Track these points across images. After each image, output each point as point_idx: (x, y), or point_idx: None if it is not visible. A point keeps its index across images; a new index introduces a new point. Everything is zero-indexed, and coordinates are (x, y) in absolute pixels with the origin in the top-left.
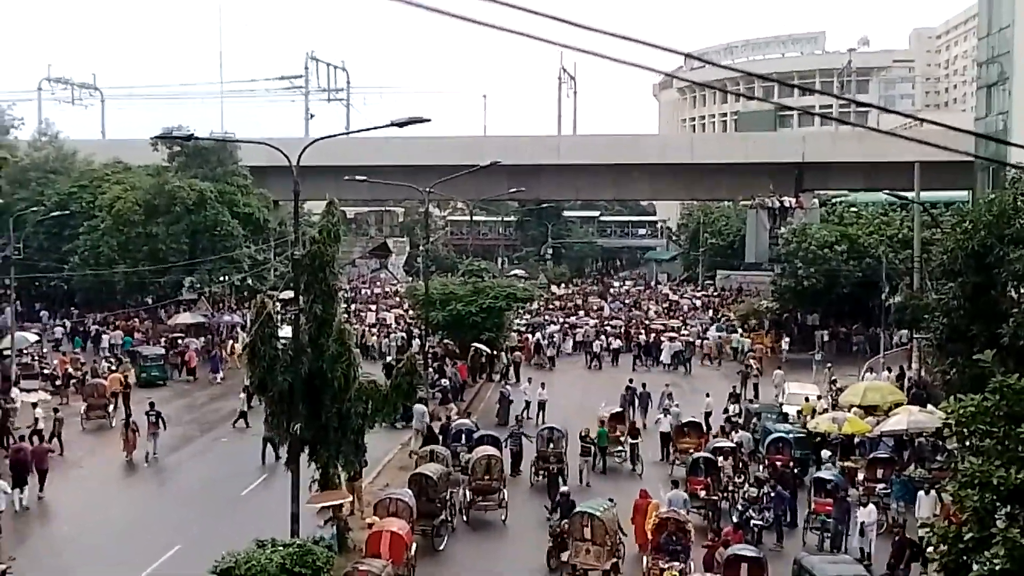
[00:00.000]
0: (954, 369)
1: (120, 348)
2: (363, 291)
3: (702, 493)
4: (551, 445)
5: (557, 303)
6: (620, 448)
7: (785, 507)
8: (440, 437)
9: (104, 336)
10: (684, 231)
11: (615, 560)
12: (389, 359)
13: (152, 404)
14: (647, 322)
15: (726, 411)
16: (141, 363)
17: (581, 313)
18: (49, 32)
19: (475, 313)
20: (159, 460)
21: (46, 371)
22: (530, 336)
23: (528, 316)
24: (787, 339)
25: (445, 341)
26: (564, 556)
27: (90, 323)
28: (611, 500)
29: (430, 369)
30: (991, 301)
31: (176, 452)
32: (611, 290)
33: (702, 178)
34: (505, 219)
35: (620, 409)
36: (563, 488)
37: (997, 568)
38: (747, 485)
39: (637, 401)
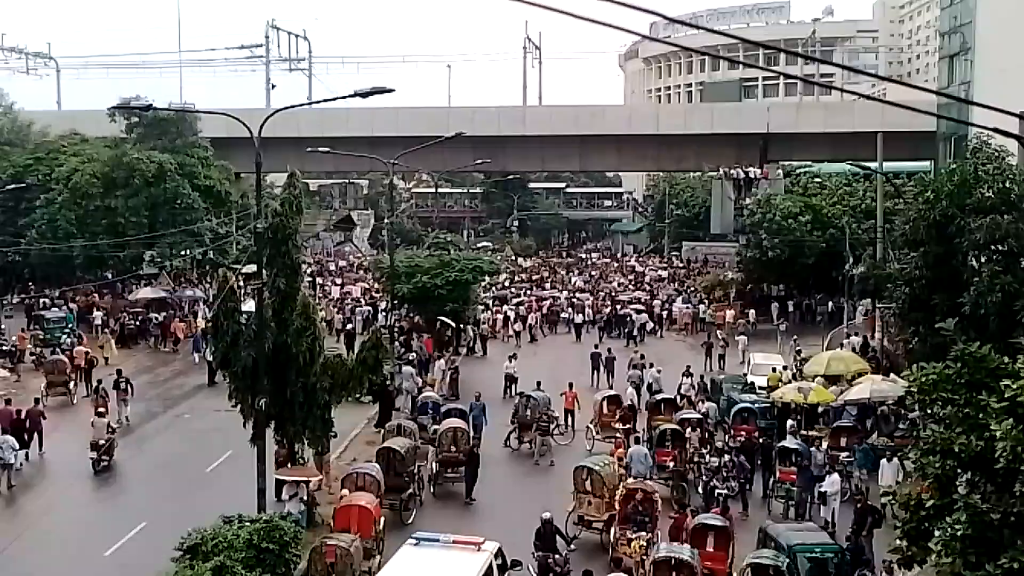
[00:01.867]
0: (916, 338)
1: (63, 322)
2: (328, 265)
3: (670, 464)
4: (530, 413)
5: (524, 276)
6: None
7: (746, 476)
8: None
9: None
10: (650, 202)
11: (613, 513)
12: (350, 328)
13: (119, 372)
14: (614, 294)
15: (680, 386)
16: (45, 325)
17: (548, 286)
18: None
19: (441, 286)
20: (131, 426)
21: (4, 347)
22: (498, 310)
23: (495, 289)
24: (752, 311)
25: (411, 315)
26: (568, 507)
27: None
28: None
29: (396, 343)
30: (952, 271)
31: (140, 427)
32: (577, 262)
33: (668, 149)
34: (471, 191)
35: (615, 392)
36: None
37: (959, 533)
38: (708, 456)
39: (602, 366)
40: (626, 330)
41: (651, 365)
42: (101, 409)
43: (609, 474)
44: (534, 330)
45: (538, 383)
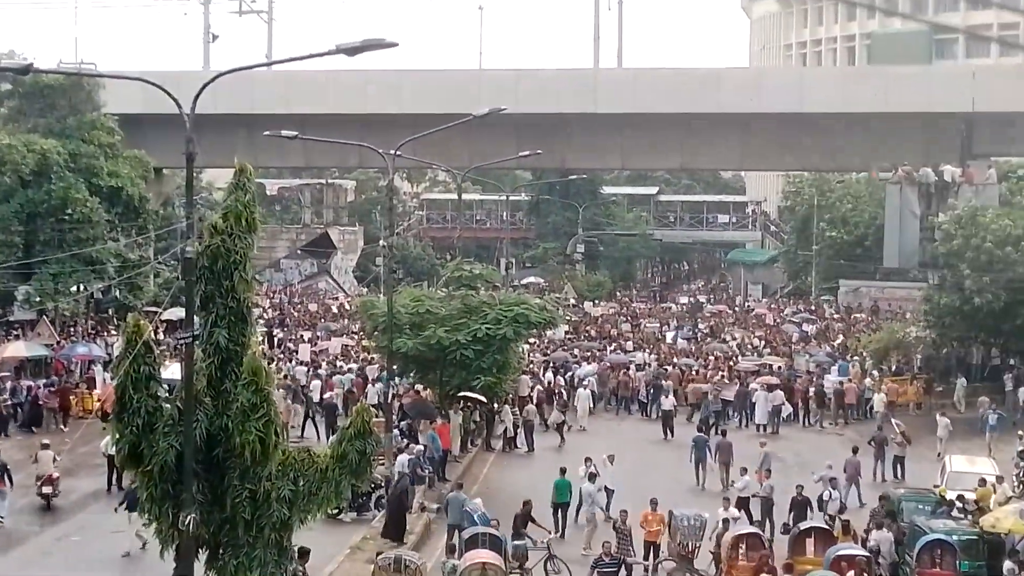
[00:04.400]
0: None
1: None
2: (293, 309)
3: None
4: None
5: (592, 330)
6: None
7: None
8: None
9: None
10: (789, 219)
11: None
12: (325, 405)
13: None
14: (732, 360)
15: (822, 499)
16: None
17: (630, 346)
18: None
19: (465, 344)
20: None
21: None
22: (550, 380)
23: (547, 350)
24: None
25: (417, 387)
26: None
27: None
28: None
29: (395, 431)
30: None
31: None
32: (676, 308)
33: (817, 136)
34: (513, 198)
35: (753, 530)
36: None
37: None
38: None
39: (711, 454)
40: (748, 415)
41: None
42: None
43: None
44: (594, 411)
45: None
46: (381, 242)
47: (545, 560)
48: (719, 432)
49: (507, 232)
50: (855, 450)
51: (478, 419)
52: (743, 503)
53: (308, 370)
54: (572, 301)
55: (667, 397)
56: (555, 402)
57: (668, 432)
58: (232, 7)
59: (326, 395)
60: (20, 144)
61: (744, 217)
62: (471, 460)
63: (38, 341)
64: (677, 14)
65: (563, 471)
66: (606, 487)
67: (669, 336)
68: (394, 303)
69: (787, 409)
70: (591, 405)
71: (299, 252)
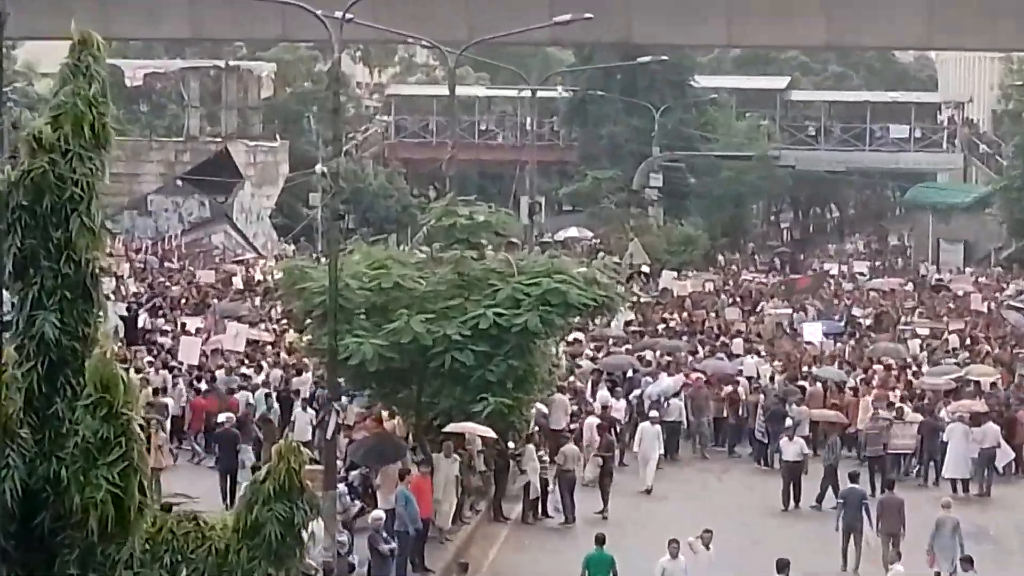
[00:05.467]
0: None
1: None
2: (168, 280)
3: None
4: None
5: (673, 316)
6: None
7: None
8: None
9: None
10: (1012, 131)
11: None
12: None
13: None
14: (911, 372)
15: None
16: None
17: (739, 346)
18: None
19: (459, 343)
20: None
21: None
22: (605, 402)
23: (596, 353)
24: None
25: (379, 413)
26: None
27: None
28: None
29: (342, 486)
30: None
31: None
32: (821, 283)
33: None
34: (542, 95)
35: None
36: None
37: None
38: None
39: (870, 520)
40: (937, 463)
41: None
42: None
43: None
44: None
45: None
46: (318, 168)
47: None
48: (884, 486)
49: (533, 152)
50: None
51: (483, 468)
52: None
53: (192, 381)
54: (642, 269)
55: (792, 439)
56: (599, 441)
57: (791, 496)
58: None
59: (223, 419)
60: None
61: (935, 130)
62: (469, 537)
63: None
64: None
65: (600, 541)
66: None
67: (806, 331)
68: (342, 272)
69: (1006, 455)
70: (662, 449)
71: (180, 184)
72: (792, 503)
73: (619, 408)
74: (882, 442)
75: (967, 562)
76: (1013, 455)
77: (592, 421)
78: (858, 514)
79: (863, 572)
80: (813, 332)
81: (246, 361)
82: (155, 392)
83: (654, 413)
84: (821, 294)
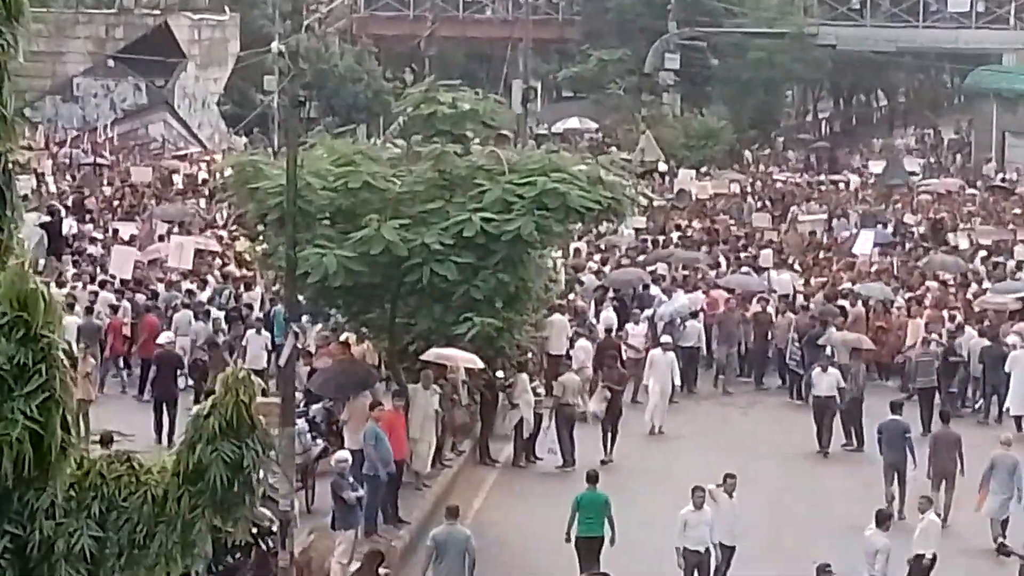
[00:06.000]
0: None
1: None
2: (99, 179)
3: None
4: None
5: (692, 223)
6: None
7: None
8: None
9: None
10: None
11: None
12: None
13: None
14: (971, 289)
15: None
16: None
17: (769, 258)
18: None
19: (440, 253)
20: None
21: None
22: (610, 324)
23: (602, 267)
24: None
25: (346, 337)
26: None
27: None
28: None
29: (302, 423)
30: None
31: None
32: (863, 185)
33: None
34: None
35: None
36: None
37: None
38: None
39: (914, 458)
40: (1001, 393)
41: None
42: None
43: None
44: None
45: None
46: (274, 46)
47: None
48: (939, 419)
49: (527, 28)
50: None
51: (467, 402)
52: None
53: (126, 296)
54: (657, 167)
55: (827, 369)
56: (608, 371)
57: (823, 436)
58: None
59: (163, 340)
60: None
61: (1000, 2)
62: (451, 483)
63: None
64: None
65: (592, 479)
66: (721, 543)
67: (858, 241)
68: (302, 170)
69: None
70: (677, 380)
71: (112, 64)
72: (823, 445)
73: (638, 333)
74: (934, 372)
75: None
76: None
77: (584, 344)
78: (901, 450)
79: (911, 516)
80: (863, 243)
81: (191, 275)
82: (87, 312)
83: (667, 338)
84: (871, 197)
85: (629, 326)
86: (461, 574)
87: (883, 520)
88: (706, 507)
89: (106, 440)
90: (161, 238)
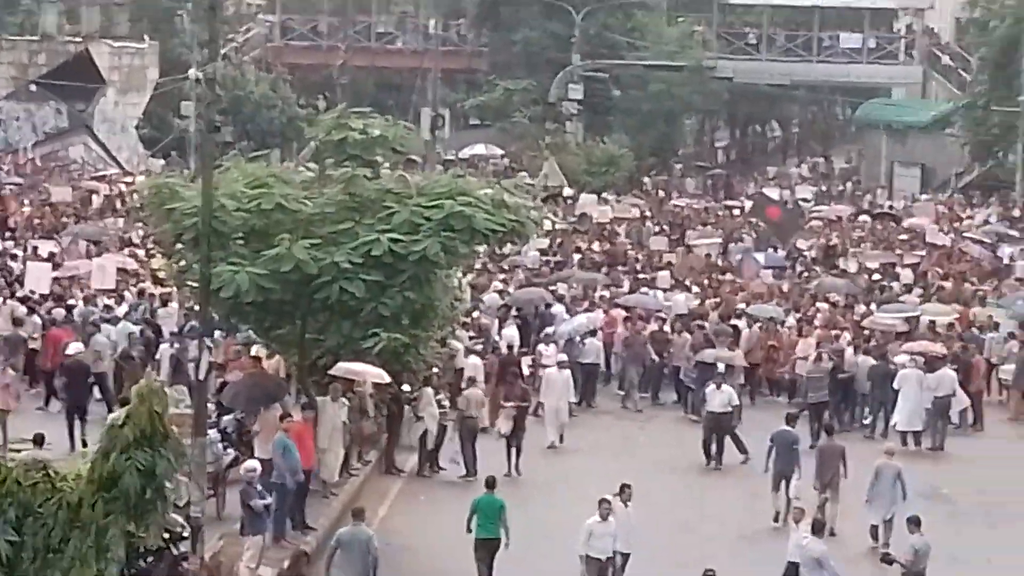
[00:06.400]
0: None
1: None
2: (20, 198)
3: None
4: None
5: (592, 245)
6: None
7: None
8: None
9: None
10: (976, 41)
11: None
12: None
13: None
14: (859, 311)
15: None
16: None
17: (665, 280)
18: None
19: (349, 272)
20: None
21: None
22: (511, 341)
23: (504, 283)
24: None
25: (256, 350)
26: None
27: None
28: None
29: (213, 433)
30: None
31: None
32: (797, 219)
33: None
34: None
35: None
36: None
37: None
38: None
39: (799, 469)
40: (887, 411)
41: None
42: None
43: None
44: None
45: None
46: (192, 73)
47: None
48: (822, 432)
49: (436, 59)
50: None
51: (374, 414)
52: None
53: (43, 311)
54: (562, 191)
55: (719, 387)
56: (510, 387)
57: (713, 453)
58: None
59: (71, 350)
60: None
61: (890, 39)
62: (357, 491)
63: None
64: None
65: (490, 484)
66: (619, 552)
67: (748, 265)
68: (217, 191)
69: (960, 403)
70: (574, 397)
71: (33, 89)
72: (712, 461)
73: (550, 354)
74: (825, 388)
75: (914, 523)
76: (968, 403)
77: (474, 361)
78: (789, 460)
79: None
80: (749, 266)
81: (107, 292)
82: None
83: (563, 356)
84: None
85: (541, 347)
86: (364, 572)
87: (819, 529)
88: (611, 519)
89: (38, 441)
90: (80, 256)
